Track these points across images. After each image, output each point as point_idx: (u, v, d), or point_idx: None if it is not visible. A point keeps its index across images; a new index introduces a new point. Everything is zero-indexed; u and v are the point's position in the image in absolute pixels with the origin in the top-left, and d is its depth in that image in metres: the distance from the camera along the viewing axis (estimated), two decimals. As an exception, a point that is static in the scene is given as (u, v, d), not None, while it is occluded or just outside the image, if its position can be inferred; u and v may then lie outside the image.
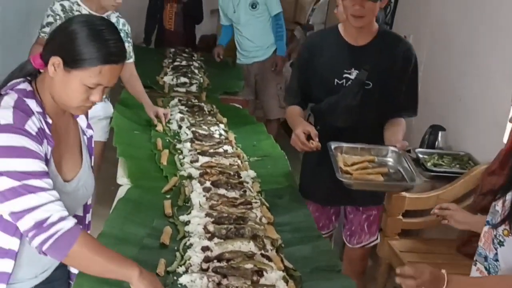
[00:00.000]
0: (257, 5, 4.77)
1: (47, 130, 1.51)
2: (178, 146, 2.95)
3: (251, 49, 4.94)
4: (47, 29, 3.07)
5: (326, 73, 2.50)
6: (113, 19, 3.20)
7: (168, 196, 2.42)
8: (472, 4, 3.59)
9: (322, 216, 2.76)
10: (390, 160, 2.42)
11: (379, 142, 2.48)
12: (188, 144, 2.91)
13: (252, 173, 2.69)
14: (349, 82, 2.46)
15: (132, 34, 3.45)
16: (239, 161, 2.79)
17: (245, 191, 2.44)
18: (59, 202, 1.45)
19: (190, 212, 2.25)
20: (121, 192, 2.44)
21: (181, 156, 2.81)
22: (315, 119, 2.73)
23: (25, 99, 1.49)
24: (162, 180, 2.58)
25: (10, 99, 1.48)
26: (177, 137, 3.10)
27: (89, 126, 1.79)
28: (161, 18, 5.49)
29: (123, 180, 2.57)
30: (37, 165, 1.44)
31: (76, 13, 3.05)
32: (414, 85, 2.60)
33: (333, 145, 2.41)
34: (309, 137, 2.36)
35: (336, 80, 2.48)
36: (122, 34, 3.18)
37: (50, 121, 1.53)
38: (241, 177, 2.59)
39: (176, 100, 3.71)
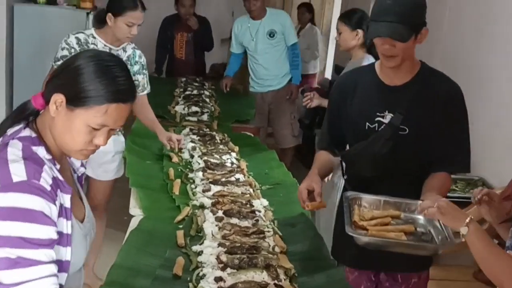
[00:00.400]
0: (275, 34, 4.82)
1: (59, 177, 1.38)
2: (190, 175, 2.95)
3: (267, 78, 4.97)
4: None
5: (356, 116, 2.21)
6: (129, 51, 3.23)
7: (181, 226, 2.41)
8: (484, 30, 3.59)
9: (361, 279, 2.34)
10: (420, 217, 2.03)
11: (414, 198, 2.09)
12: (200, 173, 2.91)
13: (264, 201, 2.68)
14: (382, 127, 2.15)
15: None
16: (251, 190, 2.79)
17: (257, 220, 2.43)
18: (53, 278, 1.30)
19: (202, 242, 2.24)
20: (133, 223, 2.44)
21: (193, 186, 2.81)
22: (345, 167, 2.40)
23: (32, 147, 1.36)
24: (175, 210, 2.57)
25: (16, 149, 1.34)
26: (189, 166, 3.10)
27: (83, 165, 1.64)
28: (172, 47, 5.55)
29: (136, 211, 2.57)
30: (44, 233, 1.28)
31: (92, 46, 3.07)
32: (462, 133, 2.19)
33: (349, 195, 2.13)
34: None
35: (367, 124, 2.18)
36: (137, 67, 3.19)
37: (58, 166, 1.41)
38: (253, 206, 2.58)
39: (187, 129, 3.72)
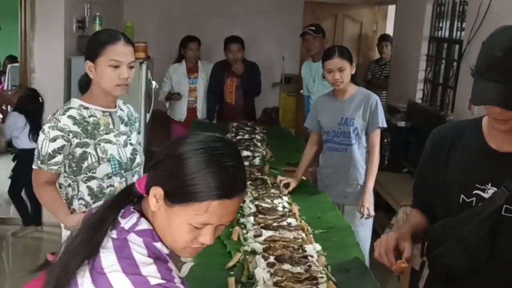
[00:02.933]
0: None
1: (180, 275, 1.26)
2: (242, 220, 2.92)
3: None
4: (59, 158, 2.37)
5: (450, 185, 1.79)
6: (125, 108, 2.62)
7: (232, 273, 2.37)
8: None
9: None
10: None
11: None
12: (251, 218, 2.88)
13: (317, 246, 2.61)
14: (480, 203, 1.71)
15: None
16: (303, 234, 2.73)
17: (310, 266, 2.37)
18: None
19: (254, 289, 2.20)
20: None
21: (244, 231, 2.78)
22: (426, 247, 1.90)
23: (154, 244, 1.23)
24: (225, 256, 2.54)
25: (139, 247, 1.21)
26: (240, 211, 3.08)
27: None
28: (222, 93, 5.63)
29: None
30: None
31: (91, 119, 2.42)
32: None
33: None
34: (398, 257, 1.74)
35: (462, 196, 1.75)
36: (137, 124, 2.65)
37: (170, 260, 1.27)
38: (306, 251, 2.52)
39: (239, 174, 3.71)
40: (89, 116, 2.43)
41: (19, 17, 4.88)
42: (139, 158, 2.60)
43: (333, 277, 2.33)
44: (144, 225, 1.24)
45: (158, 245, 1.23)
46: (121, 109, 2.58)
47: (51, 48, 4.86)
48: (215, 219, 1.20)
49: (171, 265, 1.23)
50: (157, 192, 1.21)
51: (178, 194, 1.19)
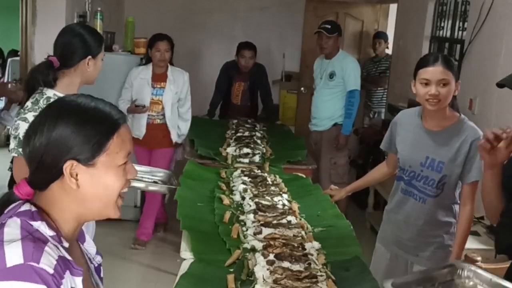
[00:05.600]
0: (334, 76, 4.83)
1: (67, 256, 1.19)
2: (241, 217, 2.92)
3: (314, 116, 5.03)
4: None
5: None
6: None
7: (231, 270, 2.37)
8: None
9: None
10: None
11: None
12: (251, 216, 2.88)
13: (316, 244, 2.61)
14: None
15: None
16: (303, 232, 2.73)
17: (309, 264, 2.36)
18: None
19: (253, 287, 2.19)
20: (184, 266, 2.42)
21: (244, 228, 2.78)
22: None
23: (31, 222, 1.18)
24: (225, 253, 2.54)
25: (13, 228, 1.16)
26: (240, 208, 3.08)
27: (98, 253, 1.43)
28: (229, 93, 5.61)
29: (187, 254, 2.56)
30: None
31: None
32: None
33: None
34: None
35: None
36: None
37: (66, 244, 1.22)
38: (305, 249, 2.52)
39: (239, 171, 3.71)
40: None
41: (20, 11, 4.87)
42: None
43: (332, 275, 2.33)
44: (25, 206, 1.22)
45: (36, 224, 1.19)
46: None
47: (52, 42, 4.83)
48: (129, 145, 1.28)
49: (51, 246, 1.15)
50: (68, 165, 1.20)
51: (91, 150, 1.21)
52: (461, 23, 4.87)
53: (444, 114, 2.50)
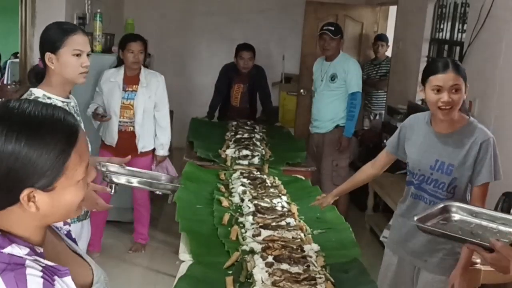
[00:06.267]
0: (336, 78, 4.83)
1: (48, 263, 1.14)
2: (240, 219, 2.92)
3: (315, 118, 5.01)
4: None
5: None
6: (73, 100, 2.57)
7: (230, 272, 2.37)
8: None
9: None
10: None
11: None
12: (250, 218, 2.88)
13: (315, 246, 2.61)
14: None
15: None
16: (302, 234, 2.73)
17: (308, 266, 2.36)
18: None
19: (252, 289, 2.19)
20: (182, 269, 2.42)
21: (243, 230, 2.78)
22: None
23: (2, 251, 1.10)
24: (224, 255, 2.54)
25: None
26: (239, 210, 3.07)
27: (66, 223, 1.39)
28: (228, 94, 5.61)
29: (185, 256, 2.55)
30: None
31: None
32: None
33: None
34: None
35: None
36: (79, 118, 2.40)
37: (40, 250, 1.17)
38: (304, 251, 2.52)
39: (238, 173, 3.71)
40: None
41: (20, 13, 4.86)
42: None
43: (331, 277, 2.32)
44: None
45: (7, 249, 1.10)
46: (73, 100, 2.56)
47: (51, 44, 4.83)
48: (86, 155, 1.17)
49: (30, 264, 1.10)
50: (25, 194, 1.10)
51: (49, 175, 1.11)
52: (460, 25, 4.87)
53: (453, 117, 2.47)
